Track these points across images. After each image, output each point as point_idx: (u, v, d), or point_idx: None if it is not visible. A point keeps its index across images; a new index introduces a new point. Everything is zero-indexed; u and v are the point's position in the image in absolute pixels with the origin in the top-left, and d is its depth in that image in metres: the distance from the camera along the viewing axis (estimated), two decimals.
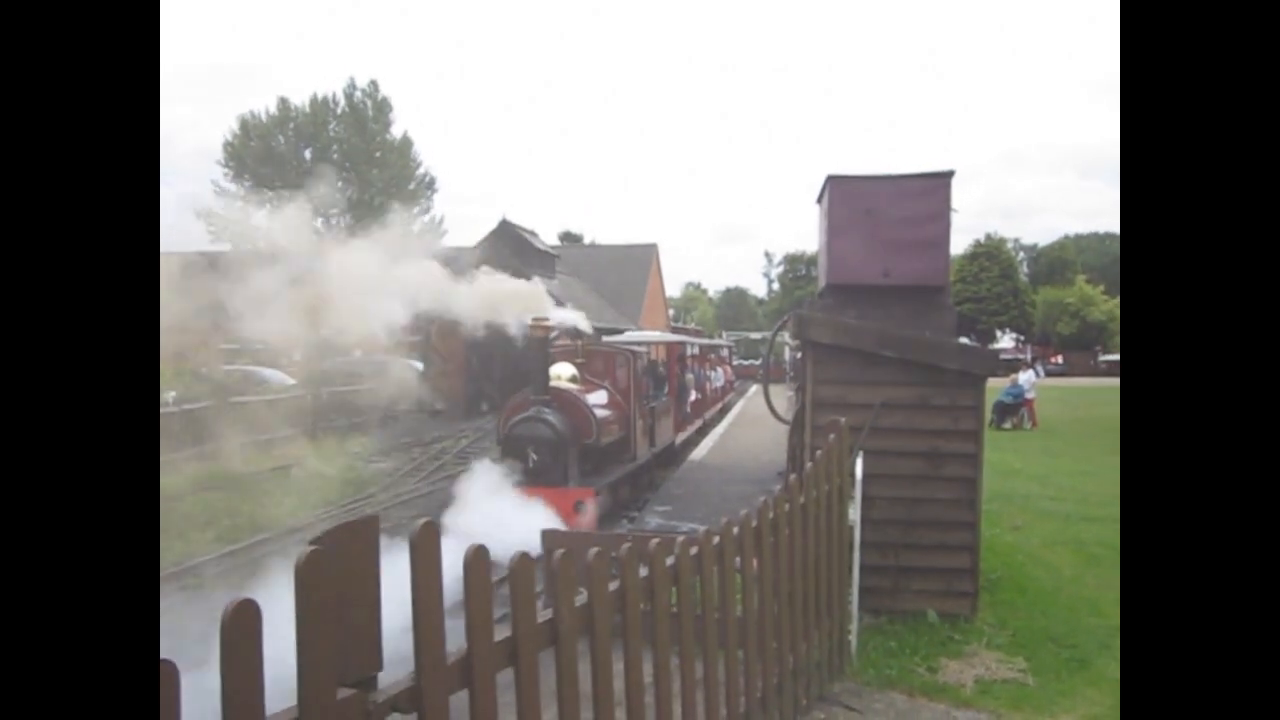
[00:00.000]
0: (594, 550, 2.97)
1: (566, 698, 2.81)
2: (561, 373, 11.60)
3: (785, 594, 4.38)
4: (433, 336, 24.35)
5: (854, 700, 4.89)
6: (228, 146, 49.31)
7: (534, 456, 10.09)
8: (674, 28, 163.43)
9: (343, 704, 2.07)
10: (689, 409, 18.35)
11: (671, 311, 64.35)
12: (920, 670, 5.39)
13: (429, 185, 55.37)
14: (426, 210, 55.68)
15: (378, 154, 51.57)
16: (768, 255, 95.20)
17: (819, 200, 7.84)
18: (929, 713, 4.87)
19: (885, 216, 7.02)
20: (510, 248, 24.33)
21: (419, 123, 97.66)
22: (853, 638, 5.40)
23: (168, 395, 16.31)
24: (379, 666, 2.22)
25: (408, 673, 2.29)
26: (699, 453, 16.71)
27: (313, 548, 2.03)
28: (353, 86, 51.37)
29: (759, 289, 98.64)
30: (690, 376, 18.72)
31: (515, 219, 26.30)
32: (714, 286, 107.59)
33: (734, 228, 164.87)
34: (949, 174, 7.00)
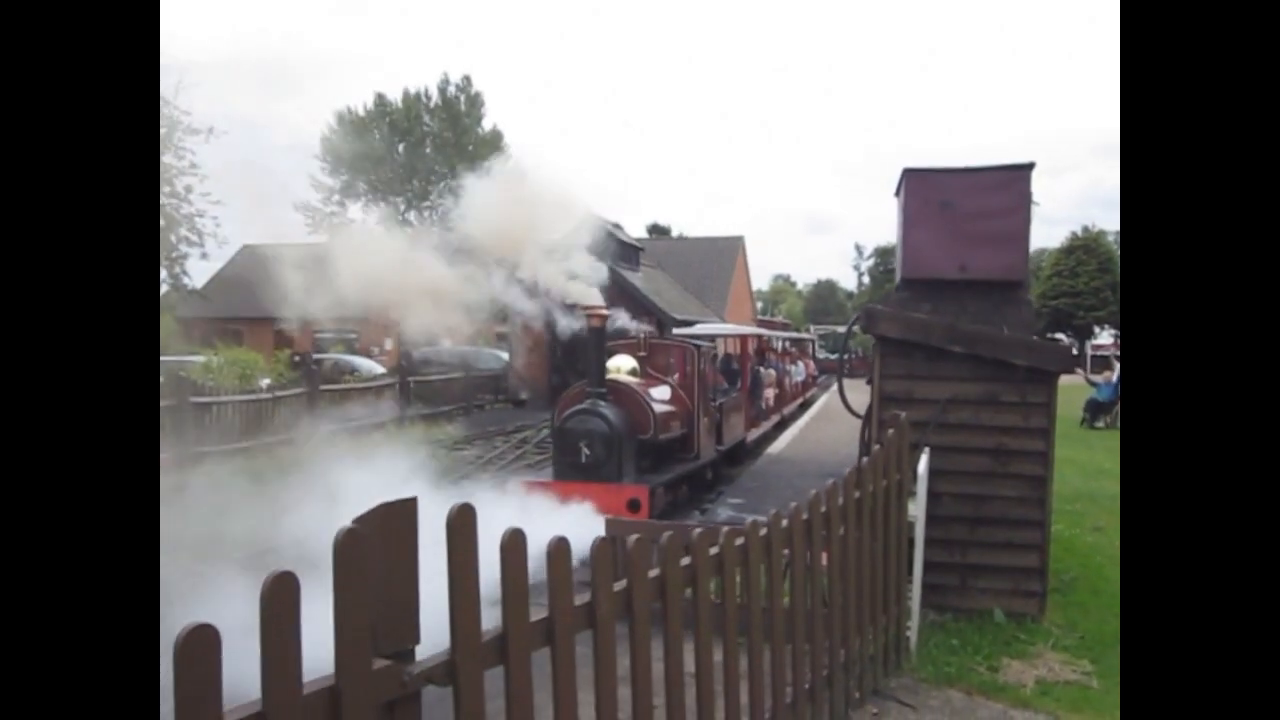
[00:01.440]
0: (633, 537, 3.06)
1: (604, 681, 2.90)
2: (621, 365, 11.23)
3: (838, 587, 4.40)
4: (518, 327, 24.72)
5: (909, 696, 4.89)
6: (325, 141, 50.74)
7: (586, 451, 9.75)
8: (759, 11, 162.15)
9: (379, 674, 2.19)
10: (764, 405, 17.54)
11: (759, 305, 64.00)
12: (981, 669, 5.34)
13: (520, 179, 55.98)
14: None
15: (469, 147, 52.43)
16: (858, 248, 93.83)
17: (896, 193, 7.78)
18: (986, 711, 4.83)
19: (962, 210, 6.93)
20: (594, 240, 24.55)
21: (510, 116, 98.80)
22: (911, 634, 5.38)
23: (262, 382, 16.94)
24: (416, 640, 2.34)
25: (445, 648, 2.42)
26: (776, 446, 16.70)
27: (350, 525, 2.16)
28: (446, 81, 52.33)
29: (849, 282, 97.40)
30: (766, 371, 18.00)
31: (603, 212, 26.56)
32: (803, 279, 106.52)
33: (824, 220, 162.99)
34: (1029, 166, 6.88)
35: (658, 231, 72.36)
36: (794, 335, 29.29)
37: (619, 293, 23.06)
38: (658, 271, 30.49)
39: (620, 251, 25.25)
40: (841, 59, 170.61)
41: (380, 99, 51.40)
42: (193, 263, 34.36)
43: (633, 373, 11.16)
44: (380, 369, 25.87)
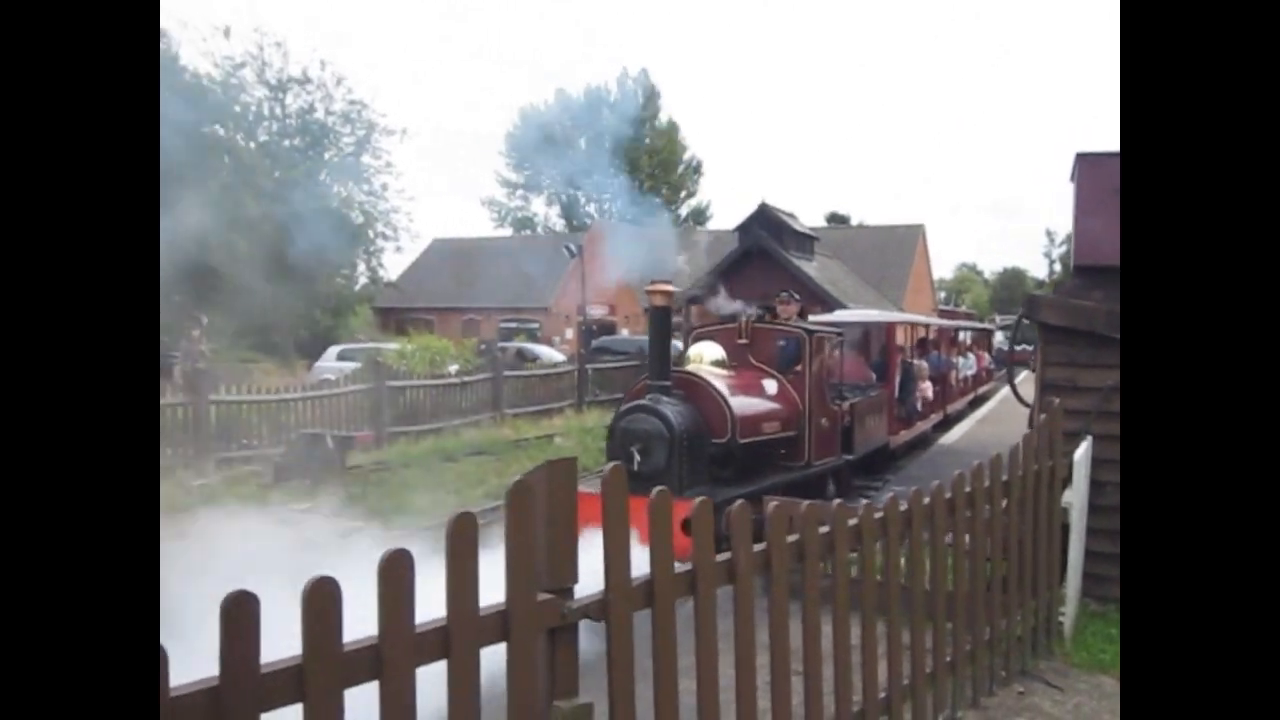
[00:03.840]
0: (773, 504, 3.35)
1: (742, 634, 3.20)
2: (704, 353, 9.32)
3: (981, 567, 4.53)
4: (691, 316, 25.18)
5: (1058, 679, 4.95)
6: (509, 136, 52.82)
7: (639, 457, 7.96)
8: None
9: (541, 604, 2.58)
10: (918, 404, 14.74)
11: (942, 294, 62.17)
12: None
13: (696, 170, 56.64)
14: (692, 194, 56.98)
15: (646, 140, 53.37)
16: (1049, 235, 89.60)
17: (1071, 178, 7.68)
18: None
19: None
20: (768, 230, 24.70)
21: (687, 108, 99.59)
22: (1065, 620, 5.41)
23: (450, 368, 18.05)
24: (574, 579, 2.72)
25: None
26: (950, 438, 16.47)
27: (520, 478, 2.56)
28: (625, 75, 53.44)
29: (1040, 270, 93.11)
30: (919, 364, 15.16)
31: (780, 202, 26.64)
32: (990, 268, 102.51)
33: (1013, 207, 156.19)
34: None
35: (837, 220, 71.42)
36: (965, 325, 26.01)
37: (790, 280, 23.15)
38: (834, 261, 30.28)
39: (794, 240, 25.29)
40: (1032, 36, 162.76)
41: (561, 93, 53.03)
42: (388, 255, 36.57)
43: (719, 363, 9.25)
44: (560, 357, 26.88)
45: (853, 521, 3.72)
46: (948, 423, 16.67)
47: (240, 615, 1.98)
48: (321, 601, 2.11)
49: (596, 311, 39.69)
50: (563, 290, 41.72)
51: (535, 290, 42.03)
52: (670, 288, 8.25)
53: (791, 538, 3.42)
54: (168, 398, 11.86)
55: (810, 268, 25.05)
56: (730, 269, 24.40)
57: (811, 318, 11.79)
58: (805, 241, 26.26)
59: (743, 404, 8.63)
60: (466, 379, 17.02)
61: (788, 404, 9.32)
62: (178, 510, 8.99)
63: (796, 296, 10.75)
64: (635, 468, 7.80)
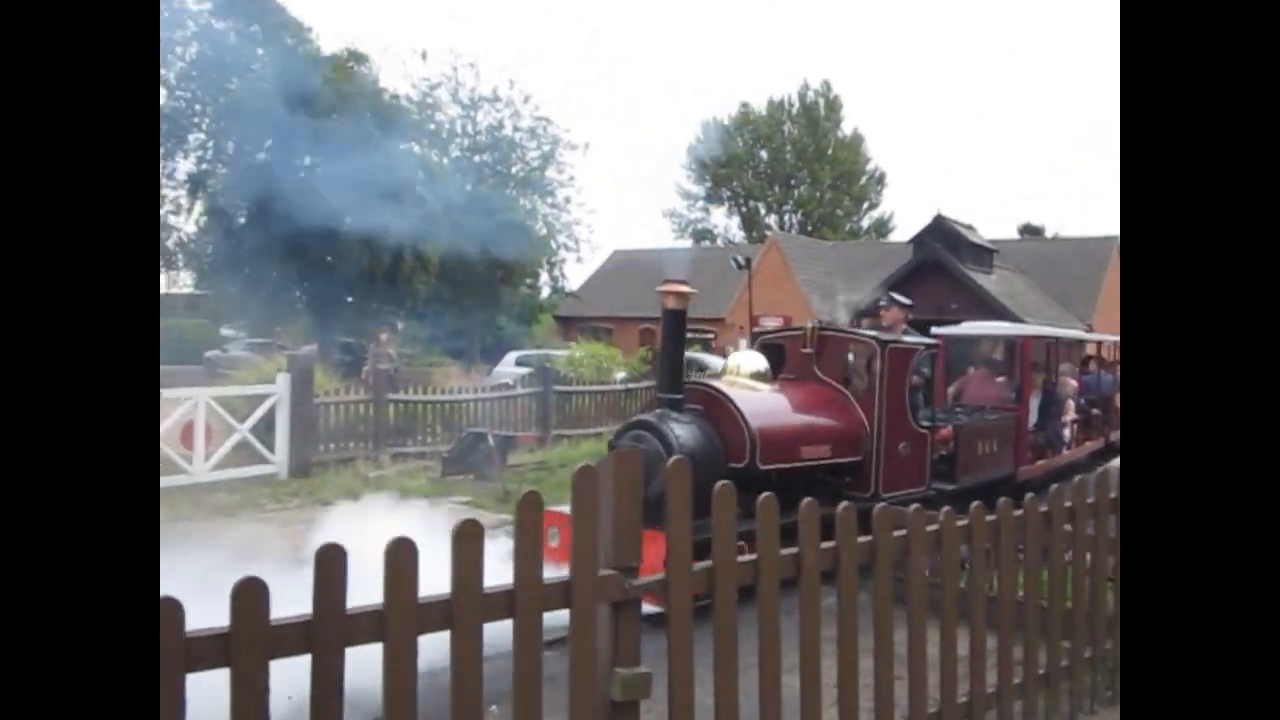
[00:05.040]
0: (843, 505, 3.54)
1: (808, 628, 3.40)
2: (743, 364, 8.13)
3: (1082, 584, 4.53)
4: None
5: None
6: (690, 149, 53.60)
7: None
8: None
9: (604, 580, 2.89)
10: (1065, 430, 12.04)
11: None
12: None
13: (879, 181, 55.73)
14: (875, 205, 56.09)
15: (828, 151, 52.97)
16: None
17: None
18: None
19: None
20: (944, 242, 24.20)
21: (872, 118, 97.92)
22: None
23: (617, 375, 18.68)
24: (638, 559, 3.02)
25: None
26: (1116, 465, 15.71)
27: (584, 464, 2.89)
28: (806, 87, 53.25)
29: None
30: (1067, 384, 12.44)
31: (970, 213, 26.12)
32: None
33: None
34: None
35: (1030, 231, 68.45)
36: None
37: (965, 294, 22.58)
38: (1016, 275, 29.23)
39: (970, 253, 24.67)
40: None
41: (743, 107, 53.41)
42: (569, 266, 37.85)
43: (759, 375, 8.02)
44: None
45: (932, 527, 3.86)
46: (1111, 451, 14.23)
47: (331, 563, 2.39)
48: (400, 558, 2.50)
49: (771, 323, 39.75)
50: (739, 301, 41.95)
51: (712, 300, 42.42)
52: (685, 288, 7.21)
53: (864, 539, 3.59)
54: (353, 395, 12.98)
55: (988, 281, 24.35)
56: (902, 282, 24.07)
57: (935, 330, 10.80)
58: (983, 254, 25.53)
59: (770, 423, 7.38)
60: (630, 385, 17.56)
61: (850, 424, 7.97)
62: (354, 498, 9.88)
63: (904, 301, 9.70)
64: None
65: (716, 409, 7.30)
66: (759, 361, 8.18)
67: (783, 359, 8.53)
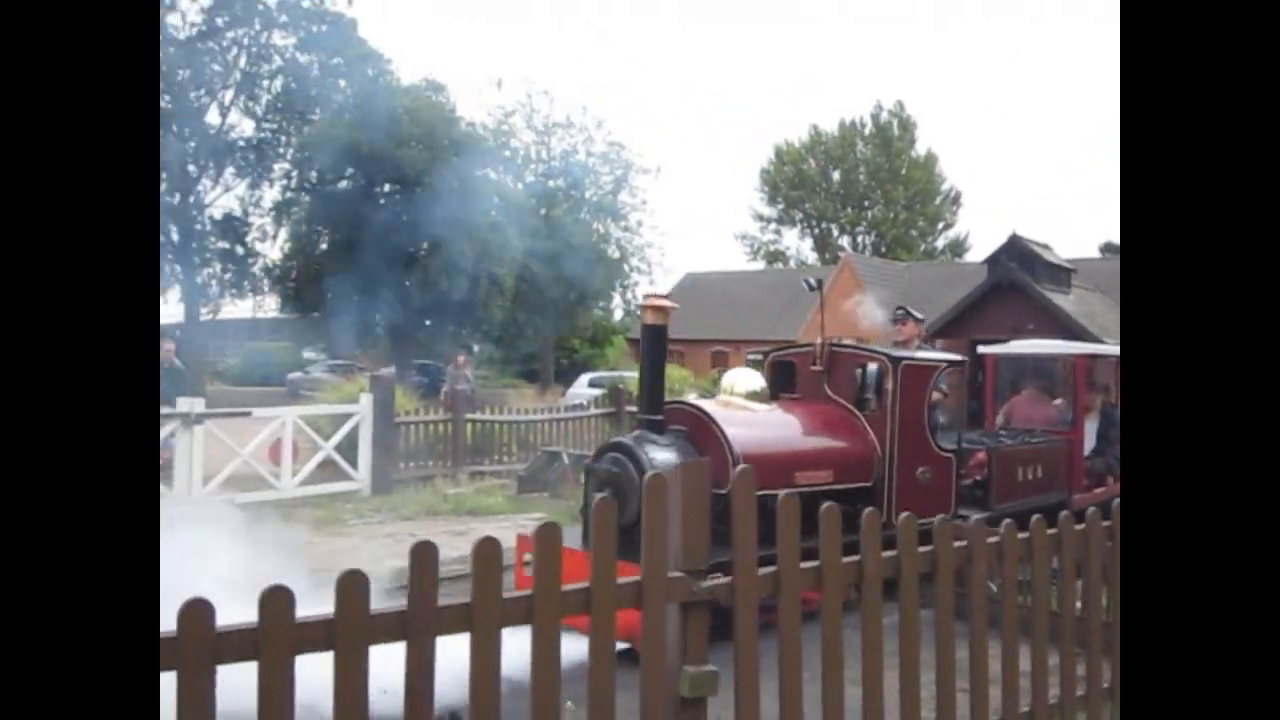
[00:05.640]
0: (904, 515, 3.67)
1: (870, 636, 3.53)
2: (736, 383, 7.67)
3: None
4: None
5: None
6: (764, 174, 53.70)
7: None
8: None
9: (673, 581, 3.06)
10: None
11: None
12: None
13: (954, 200, 55.17)
14: (950, 225, 55.52)
15: (902, 171, 52.65)
16: None
17: None
18: None
19: None
20: (1020, 262, 23.92)
21: (947, 138, 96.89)
22: None
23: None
24: (706, 563, 3.19)
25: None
26: None
27: (654, 471, 3.08)
28: (879, 107, 53.06)
29: None
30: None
31: (1048, 232, 25.73)
32: None
33: None
34: None
35: (1111, 250, 66.96)
36: None
37: (1041, 315, 22.28)
38: (1095, 294, 28.70)
39: (1047, 272, 24.33)
40: None
41: (814, 130, 53.43)
42: (642, 288, 38.22)
43: (754, 395, 7.56)
44: None
45: (993, 540, 3.95)
46: None
47: (425, 559, 2.62)
48: (486, 555, 2.72)
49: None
50: (812, 322, 41.87)
51: (784, 322, 42.43)
52: (666, 303, 6.88)
53: (924, 549, 3.71)
54: (432, 415, 13.41)
55: (1065, 301, 23.97)
56: (977, 303, 23.86)
57: (982, 348, 10.31)
58: (1060, 274, 25.15)
59: (758, 446, 6.76)
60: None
61: (858, 447, 7.42)
62: (432, 514, 10.21)
63: (917, 316, 9.24)
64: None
65: (701, 431, 6.87)
66: (755, 380, 7.72)
67: (793, 378, 8.13)
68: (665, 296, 6.98)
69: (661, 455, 6.46)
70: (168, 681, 2.15)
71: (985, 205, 65.12)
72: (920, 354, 8.19)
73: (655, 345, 6.94)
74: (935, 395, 7.94)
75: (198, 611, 2.25)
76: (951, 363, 8.43)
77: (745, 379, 7.69)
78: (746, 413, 7.25)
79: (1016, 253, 24.13)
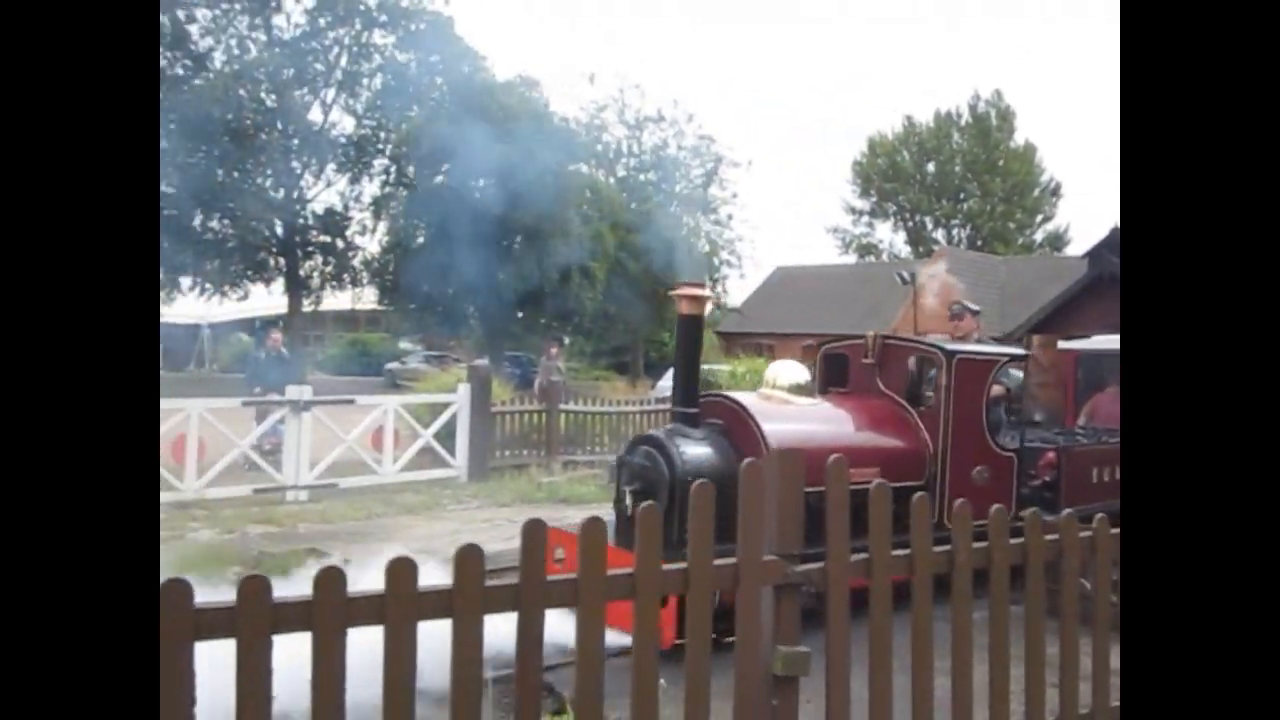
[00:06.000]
0: (996, 506, 3.73)
1: (960, 625, 3.60)
2: (779, 375, 7.34)
3: None
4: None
5: None
6: (856, 166, 53.07)
7: (629, 500, 6.42)
8: None
9: (767, 563, 3.19)
10: None
11: None
12: None
13: (1054, 192, 53.72)
14: (1049, 218, 54.10)
15: (1000, 163, 51.47)
16: None
17: None
18: None
19: None
20: (1119, 255, 23.26)
21: (1048, 128, 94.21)
22: None
23: None
24: (799, 547, 3.31)
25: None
26: None
27: (750, 459, 3.22)
28: (976, 98, 51.94)
29: None
30: None
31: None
32: None
33: None
34: None
35: None
36: None
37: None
38: None
39: None
40: None
41: (909, 121, 52.56)
42: (732, 282, 38.21)
43: (798, 388, 7.27)
44: None
45: (1085, 534, 3.98)
46: None
47: (534, 538, 2.80)
48: (592, 534, 2.89)
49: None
50: (903, 317, 41.30)
51: (875, 316, 41.97)
52: (702, 292, 6.70)
53: (1015, 541, 3.76)
54: (527, 405, 13.75)
55: None
56: (1077, 297, 23.27)
57: (1063, 344, 9.90)
58: None
59: (796, 441, 6.27)
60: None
61: (910, 444, 7.14)
62: (526, 501, 10.51)
63: (974, 309, 8.79)
64: (629, 514, 6.33)
65: (737, 424, 6.65)
66: (799, 373, 7.34)
67: (845, 371, 7.90)
68: (699, 285, 6.80)
69: (693, 450, 6.36)
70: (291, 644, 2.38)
71: (1085, 198, 63.24)
72: (978, 347, 7.85)
73: (690, 336, 6.78)
74: (996, 390, 7.62)
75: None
76: (1013, 357, 8.09)
77: (788, 371, 7.38)
78: (787, 406, 7.00)
79: (1116, 245, 23.45)
